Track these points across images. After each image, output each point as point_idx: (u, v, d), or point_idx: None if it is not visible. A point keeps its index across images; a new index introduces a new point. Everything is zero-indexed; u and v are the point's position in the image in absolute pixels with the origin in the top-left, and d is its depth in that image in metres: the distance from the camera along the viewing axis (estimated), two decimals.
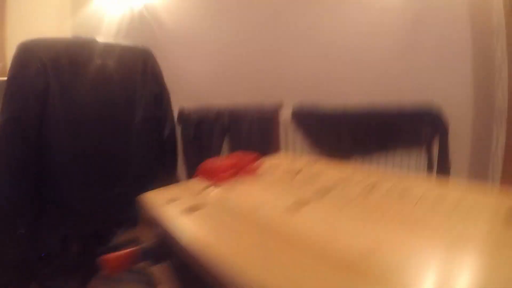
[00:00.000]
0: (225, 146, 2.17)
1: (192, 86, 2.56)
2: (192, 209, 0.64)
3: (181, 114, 2.31)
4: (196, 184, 0.81)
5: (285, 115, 2.01)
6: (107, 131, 1.34)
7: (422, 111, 1.69)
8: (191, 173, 1.23)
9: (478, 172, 1.64)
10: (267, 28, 2.23)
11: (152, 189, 0.77)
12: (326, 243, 0.46)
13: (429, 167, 1.66)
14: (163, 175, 1.55)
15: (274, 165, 0.90)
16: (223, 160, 0.84)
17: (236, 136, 2.14)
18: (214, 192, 0.73)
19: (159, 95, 1.53)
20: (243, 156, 0.88)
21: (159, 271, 1.22)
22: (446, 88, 1.70)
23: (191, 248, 0.49)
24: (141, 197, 0.75)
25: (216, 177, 0.79)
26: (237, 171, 0.83)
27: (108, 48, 1.38)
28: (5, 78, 1.13)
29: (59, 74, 1.19)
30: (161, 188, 0.79)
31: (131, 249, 0.72)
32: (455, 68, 1.68)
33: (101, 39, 1.39)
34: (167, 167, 1.59)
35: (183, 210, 0.64)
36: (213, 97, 2.41)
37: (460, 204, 0.55)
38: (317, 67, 2.06)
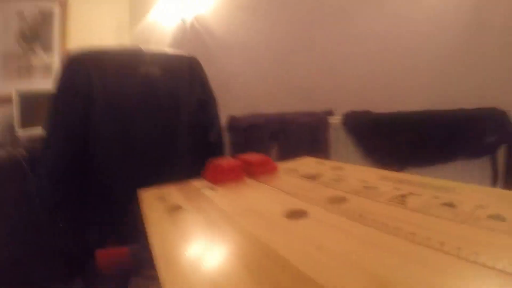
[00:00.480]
0: (274, 152, 2.08)
1: (243, 94, 2.55)
2: (174, 209, 0.57)
3: (231, 121, 2.26)
4: (196, 184, 0.74)
5: (336, 121, 1.88)
6: (152, 134, 1.34)
7: (486, 116, 1.51)
8: None
9: None
10: (316, 33, 2.15)
11: None
12: (305, 268, 0.34)
13: (495, 179, 1.48)
14: None
15: (291, 169, 0.79)
16: (228, 160, 0.75)
17: (285, 142, 2.05)
18: (207, 193, 0.65)
19: (205, 102, 1.51)
20: (254, 157, 0.78)
21: None
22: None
23: (154, 249, 0.41)
24: (139, 193, 0.70)
25: (216, 178, 0.71)
26: (241, 173, 0.75)
27: (154, 56, 1.40)
28: None
29: (102, 79, 1.21)
30: (158, 186, 0.73)
31: (121, 248, 0.67)
32: None
33: (148, 48, 1.40)
34: None
35: (165, 209, 0.57)
36: (263, 105, 2.37)
37: None
38: (371, 70, 1.95)
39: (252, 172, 0.76)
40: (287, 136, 2.04)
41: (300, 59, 2.26)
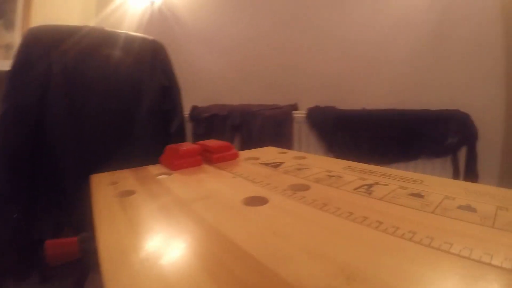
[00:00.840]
0: (236, 144, 2.05)
1: (207, 84, 2.51)
2: (125, 194, 0.52)
3: (193, 111, 2.21)
4: (151, 169, 0.70)
5: (300, 115, 1.88)
6: (110, 120, 1.28)
7: (448, 116, 1.53)
8: None
9: (510, 183, 1.45)
10: (284, 26, 2.14)
11: None
12: (267, 260, 0.30)
13: (455, 178, 1.49)
14: None
15: (252, 157, 0.76)
16: (186, 145, 0.71)
17: (248, 134, 2.02)
18: (162, 179, 0.61)
19: (168, 88, 1.46)
20: (214, 143, 0.75)
21: None
22: (475, 90, 1.54)
23: (99, 238, 0.36)
24: (90, 178, 0.65)
25: (172, 163, 0.67)
26: (199, 159, 0.71)
27: (117, 37, 1.34)
28: None
29: (61, 56, 1.14)
30: (112, 171, 0.68)
31: (70, 238, 0.62)
32: (486, 68, 1.52)
33: (112, 29, 1.36)
34: None
35: (115, 194, 0.52)
36: (228, 96, 2.34)
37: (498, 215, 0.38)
38: (335, 65, 1.95)
39: (211, 158, 0.72)
40: (250, 128, 2.02)
41: (268, 52, 2.25)
